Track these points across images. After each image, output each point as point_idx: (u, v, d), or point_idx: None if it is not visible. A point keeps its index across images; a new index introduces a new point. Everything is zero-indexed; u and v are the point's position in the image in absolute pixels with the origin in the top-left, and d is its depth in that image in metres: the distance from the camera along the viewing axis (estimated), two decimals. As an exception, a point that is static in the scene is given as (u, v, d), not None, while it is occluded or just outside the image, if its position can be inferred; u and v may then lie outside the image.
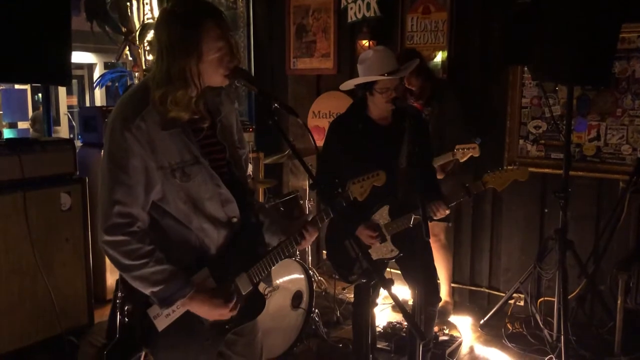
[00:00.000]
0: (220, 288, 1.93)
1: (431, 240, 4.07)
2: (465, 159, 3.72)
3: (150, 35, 4.75)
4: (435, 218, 2.90)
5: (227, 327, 2.00)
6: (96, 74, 12.74)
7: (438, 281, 3.59)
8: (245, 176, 2.09)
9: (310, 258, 4.37)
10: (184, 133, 1.84)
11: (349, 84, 3.03)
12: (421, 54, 4.03)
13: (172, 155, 1.82)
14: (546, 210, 4.12)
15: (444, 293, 4.12)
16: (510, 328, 3.93)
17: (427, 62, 4.28)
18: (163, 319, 1.89)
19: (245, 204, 2.00)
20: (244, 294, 1.98)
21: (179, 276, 1.84)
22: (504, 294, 4.11)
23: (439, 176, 3.79)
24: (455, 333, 3.94)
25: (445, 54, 4.35)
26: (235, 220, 1.96)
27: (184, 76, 1.77)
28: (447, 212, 2.88)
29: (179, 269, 1.85)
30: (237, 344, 2.10)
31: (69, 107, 13.11)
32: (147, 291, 1.82)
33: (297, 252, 3.97)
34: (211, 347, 2.00)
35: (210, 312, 1.90)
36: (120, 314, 3.38)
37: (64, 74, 3.52)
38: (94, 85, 10.44)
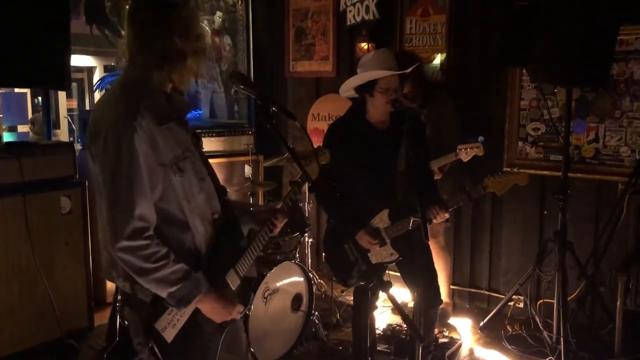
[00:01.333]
0: (217, 289, 1.94)
1: (430, 242, 4.08)
2: (469, 158, 3.71)
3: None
4: (435, 221, 2.91)
5: (223, 326, 2.03)
6: (96, 77, 12.74)
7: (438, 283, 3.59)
8: (214, 173, 2.11)
9: (310, 260, 4.37)
10: (177, 126, 1.86)
11: (349, 85, 3.03)
12: (417, 56, 4.05)
13: (169, 151, 1.83)
14: (545, 212, 4.12)
15: (443, 295, 4.09)
16: (510, 330, 3.93)
17: (424, 65, 4.28)
18: (170, 329, 1.90)
19: (221, 201, 2.03)
20: (234, 289, 2.02)
21: (192, 274, 1.84)
22: (503, 296, 4.11)
23: (437, 176, 3.79)
24: (455, 335, 3.94)
25: (444, 56, 4.36)
26: (216, 216, 1.98)
27: (180, 54, 1.83)
28: (447, 215, 2.89)
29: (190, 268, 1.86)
30: (222, 342, 2.11)
31: (69, 110, 13.10)
32: (165, 292, 1.81)
33: (297, 255, 3.98)
34: (214, 346, 2.03)
35: (220, 311, 1.92)
36: (120, 317, 3.39)
37: (64, 78, 3.53)
38: (94, 88, 10.45)
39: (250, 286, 2.22)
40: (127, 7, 1.88)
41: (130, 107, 1.78)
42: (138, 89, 1.82)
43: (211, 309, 1.90)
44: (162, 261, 1.78)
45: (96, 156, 1.80)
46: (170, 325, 1.89)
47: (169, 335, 1.90)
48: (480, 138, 3.69)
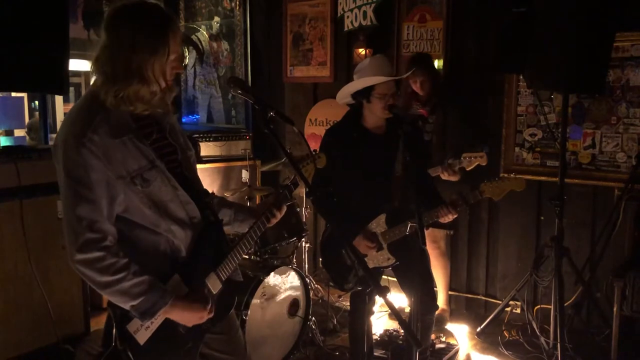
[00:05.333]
0: (194, 292, 1.94)
1: (431, 248, 4.09)
2: (472, 167, 3.71)
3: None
4: (442, 221, 2.89)
5: (203, 328, 2.02)
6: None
7: (435, 289, 3.59)
8: (196, 177, 2.10)
9: (307, 266, 4.37)
10: (136, 138, 1.83)
11: (346, 92, 3.03)
12: (432, 59, 4.05)
13: (129, 163, 1.80)
14: (542, 218, 4.13)
15: (441, 301, 4.12)
16: (507, 336, 3.93)
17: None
18: (143, 332, 1.89)
19: (202, 205, 2.02)
20: (215, 293, 2.01)
21: (157, 286, 1.83)
22: (500, 302, 4.12)
23: (454, 178, 3.74)
24: (452, 341, 3.94)
25: (441, 62, 4.37)
26: (196, 220, 1.97)
27: (144, 72, 1.77)
28: (455, 215, 2.86)
29: (155, 279, 1.85)
30: (218, 342, 2.13)
31: (66, 114, 13.09)
32: (127, 305, 1.81)
33: (294, 260, 3.98)
34: (192, 349, 2.03)
35: (190, 318, 1.92)
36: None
37: (62, 82, 3.53)
38: (91, 92, 10.42)
39: (239, 291, 2.22)
40: (106, 12, 1.83)
41: (84, 122, 1.76)
42: (99, 101, 1.79)
43: (180, 318, 1.91)
44: (121, 273, 1.77)
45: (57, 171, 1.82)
46: (144, 327, 1.88)
47: (142, 337, 1.89)
48: (486, 148, 3.69)
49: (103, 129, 1.76)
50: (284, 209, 2.16)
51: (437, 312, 3.38)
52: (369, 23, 4.66)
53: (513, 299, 3.94)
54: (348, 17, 4.78)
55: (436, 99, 4.02)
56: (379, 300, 3.82)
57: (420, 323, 2.90)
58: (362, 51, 4.72)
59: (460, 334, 4.09)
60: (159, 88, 1.82)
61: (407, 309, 4.07)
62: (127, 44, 1.75)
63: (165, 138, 1.96)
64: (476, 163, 3.68)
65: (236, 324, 2.24)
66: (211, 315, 1.96)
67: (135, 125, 1.85)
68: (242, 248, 2.07)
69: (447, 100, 4.08)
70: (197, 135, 4.72)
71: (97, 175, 1.75)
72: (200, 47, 5.67)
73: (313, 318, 3.84)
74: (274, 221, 2.13)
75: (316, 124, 5.11)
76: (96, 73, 1.82)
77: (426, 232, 3.93)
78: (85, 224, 1.74)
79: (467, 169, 3.73)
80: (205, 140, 4.79)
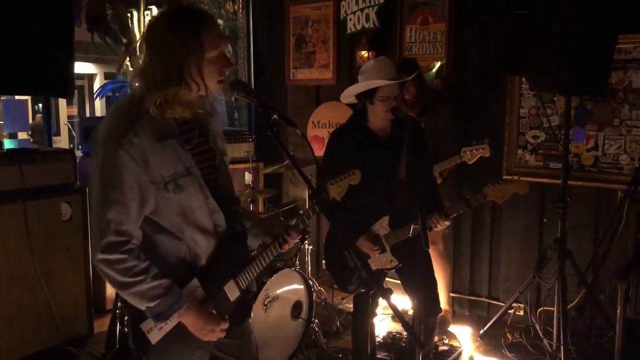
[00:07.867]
0: (212, 299, 1.95)
1: (429, 249, 4.09)
2: (474, 160, 3.71)
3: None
4: (435, 229, 2.91)
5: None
6: (96, 85, 12.79)
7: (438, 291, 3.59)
8: (229, 184, 2.10)
9: (309, 268, 4.37)
10: (177, 143, 1.84)
11: (350, 93, 3.05)
12: (418, 64, 4.06)
13: (165, 168, 1.81)
14: (545, 220, 4.13)
15: (442, 302, 4.09)
16: (510, 338, 3.93)
17: (423, 72, 4.30)
18: (156, 332, 1.90)
19: (230, 213, 2.02)
20: (232, 300, 2.02)
21: (174, 290, 1.84)
22: (503, 304, 4.11)
23: (437, 181, 3.78)
24: (454, 343, 3.94)
25: (444, 64, 4.38)
26: (220, 229, 1.97)
27: (182, 74, 1.78)
28: (447, 223, 2.89)
29: (173, 283, 1.86)
30: (230, 346, 2.12)
31: (69, 117, 13.13)
32: (143, 307, 1.82)
33: (297, 262, 3.98)
34: (204, 353, 2.03)
35: (203, 327, 1.91)
36: (120, 324, 3.38)
37: (67, 85, 3.55)
38: (95, 95, 10.49)
39: (249, 298, 2.22)
40: (150, 18, 1.86)
41: (126, 123, 1.77)
42: (142, 104, 1.80)
43: (193, 325, 1.91)
44: (141, 276, 1.78)
45: None
46: (157, 328, 1.89)
47: (154, 337, 1.90)
48: (487, 140, 3.69)
49: (144, 132, 1.77)
50: (298, 236, 2.19)
51: (439, 314, 3.38)
52: (371, 25, 4.67)
53: (516, 301, 3.94)
54: (351, 19, 4.79)
55: (423, 102, 4.02)
56: (382, 302, 3.82)
57: (424, 325, 2.91)
58: (364, 54, 4.73)
59: (463, 336, 4.09)
60: (197, 89, 1.83)
61: (410, 312, 4.07)
62: (162, 48, 1.77)
63: (206, 142, 1.96)
64: (478, 155, 3.68)
65: (249, 330, 2.23)
66: (223, 335, 1.96)
67: (177, 130, 1.85)
68: (263, 259, 2.09)
69: (443, 104, 4.09)
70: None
71: (130, 177, 1.76)
72: (203, 49, 5.68)
73: (316, 320, 3.84)
74: (286, 247, 2.16)
75: (319, 127, 5.11)
76: (141, 84, 1.85)
77: (427, 234, 3.98)
78: (112, 226, 1.75)
79: (470, 163, 3.73)
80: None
